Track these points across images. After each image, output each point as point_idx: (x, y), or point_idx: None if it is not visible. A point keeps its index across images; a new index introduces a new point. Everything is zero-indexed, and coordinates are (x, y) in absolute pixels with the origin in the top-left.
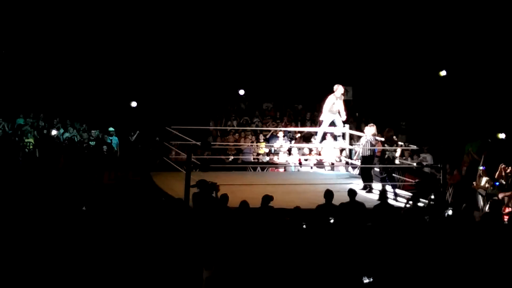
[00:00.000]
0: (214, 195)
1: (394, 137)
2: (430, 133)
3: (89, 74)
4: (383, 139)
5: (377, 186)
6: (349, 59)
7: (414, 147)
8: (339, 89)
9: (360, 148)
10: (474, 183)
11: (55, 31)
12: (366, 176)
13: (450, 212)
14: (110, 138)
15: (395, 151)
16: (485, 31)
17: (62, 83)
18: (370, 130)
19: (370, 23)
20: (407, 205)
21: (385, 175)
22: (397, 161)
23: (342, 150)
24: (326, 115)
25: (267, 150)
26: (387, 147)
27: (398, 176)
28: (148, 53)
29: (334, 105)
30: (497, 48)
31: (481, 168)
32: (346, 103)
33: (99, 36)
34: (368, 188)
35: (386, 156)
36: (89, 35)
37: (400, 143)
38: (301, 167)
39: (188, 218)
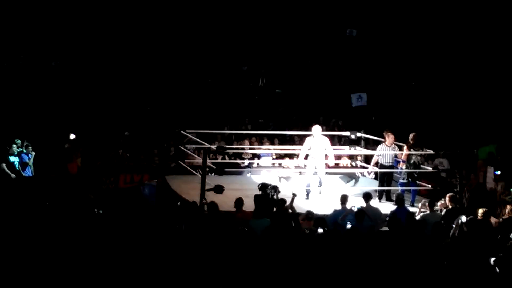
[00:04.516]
0: (275, 197)
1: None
2: (446, 137)
3: (101, 79)
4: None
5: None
6: (364, 64)
7: (430, 151)
8: (316, 129)
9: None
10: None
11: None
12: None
13: (463, 218)
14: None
15: (421, 155)
16: (500, 34)
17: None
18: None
19: (383, 28)
20: (422, 210)
21: (408, 180)
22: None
23: (357, 156)
24: (305, 161)
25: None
26: (413, 151)
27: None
28: (161, 57)
29: (311, 150)
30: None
31: (495, 173)
32: (361, 108)
33: (113, 40)
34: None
35: (412, 161)
36: (102, 39)
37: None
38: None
39: (203, 222)
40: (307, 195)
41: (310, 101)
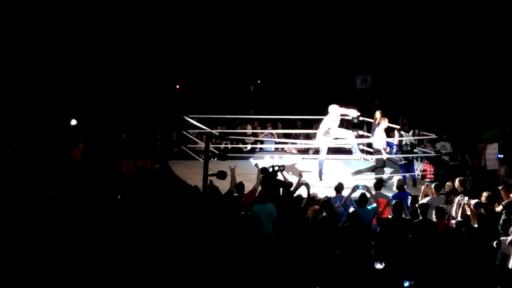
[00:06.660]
0: (282, 178)
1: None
2: (449, 120)
3: (103, 64)
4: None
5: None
6: (368, 48)
7: (432, 135)
8: (333, 109)
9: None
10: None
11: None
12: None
13: (466, 199)
14: None
15: (416, 136)
16: (504, 21)
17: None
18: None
19: (388, 11)
20: (425, 193)
21: (405, 162)
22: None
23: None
24: (321, 140)
25: None
26: (403, 133)
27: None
28: (163, 43)
29: (330, 129)
30: None
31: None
32: (365, 91)
33: (114, 26)
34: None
35: (404, 143)
36: (104, 24)
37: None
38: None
39: (204, 207)
40: (320, 176)
41: (311, 85)
